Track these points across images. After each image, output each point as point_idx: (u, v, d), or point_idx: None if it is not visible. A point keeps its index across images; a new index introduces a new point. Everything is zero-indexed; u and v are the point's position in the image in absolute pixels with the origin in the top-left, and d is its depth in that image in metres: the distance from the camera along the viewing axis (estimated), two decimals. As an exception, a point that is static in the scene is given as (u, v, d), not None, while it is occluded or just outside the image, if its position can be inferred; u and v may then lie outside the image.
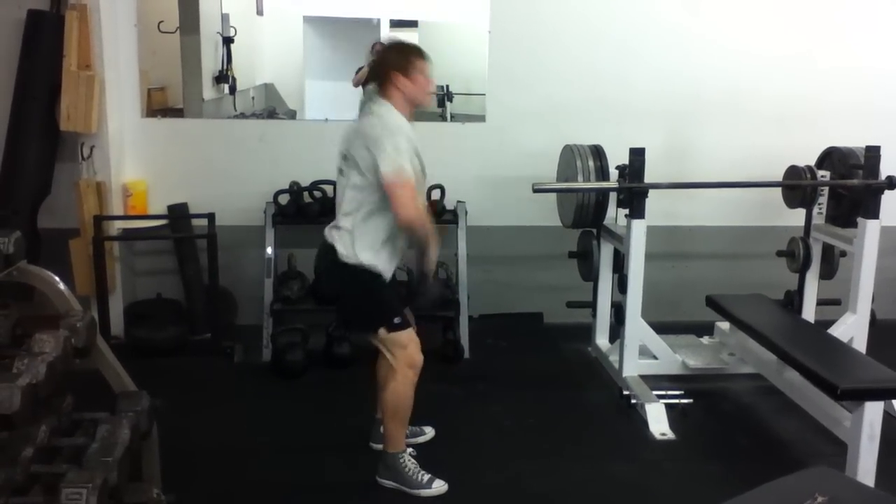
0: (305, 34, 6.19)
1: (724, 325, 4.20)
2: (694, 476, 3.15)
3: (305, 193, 4.43)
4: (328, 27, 6.19)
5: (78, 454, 2.00)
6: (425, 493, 2.94)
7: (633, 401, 3.68)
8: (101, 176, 4.17)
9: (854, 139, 4.08)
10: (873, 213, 3.77)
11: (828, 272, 4.18)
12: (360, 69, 5.77)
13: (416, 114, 3.01)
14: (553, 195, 4.27)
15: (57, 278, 2.33)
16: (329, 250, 2.88)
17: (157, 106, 4.81)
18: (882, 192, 3.77)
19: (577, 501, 2.99)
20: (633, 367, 3.91)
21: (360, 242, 2.83)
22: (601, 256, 4.17)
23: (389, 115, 2.82)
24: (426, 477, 2.97)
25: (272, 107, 6.04)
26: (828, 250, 4.13)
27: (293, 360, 4.03)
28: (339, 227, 2.87)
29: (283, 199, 4.44)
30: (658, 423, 3.52)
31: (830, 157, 4.15)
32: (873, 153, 3.80)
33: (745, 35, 4.70)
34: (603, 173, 3.90)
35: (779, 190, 4.25)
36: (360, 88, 5.68)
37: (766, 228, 4.66)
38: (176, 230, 4.46)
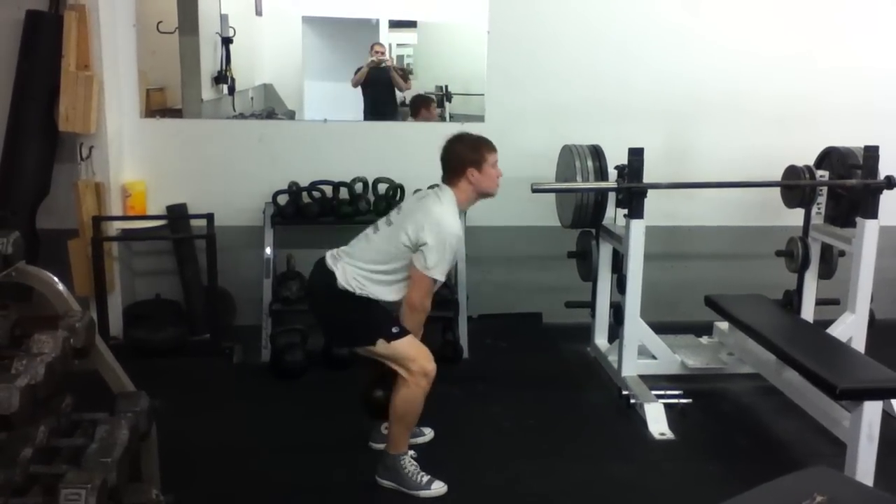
0: (304, 35, 6.19)
1: (723, 325, 4.20)
2: (693, 476, 3.16)
3: (304, 194, 4.44)
4: (327, 28, 6.19)
5: (77, 455, 2.00)
6: (424, 493, 2.94)
7: (633, 401, 3.68)
8: (100, 176, 4.17)
9: (853, 139, 4.08)
10: (872, 213, 3.78)
11: (827, 272, 4.18)
12: (358, 69, 5.81)
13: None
14: (552, 195, 4.27)
15: (56, 279, 2.33)
16: (327, 275, 2.91)
17: (156, 106, 4.81)
18: (881, 192, 3.77)
19: (577, 502, 2.99)
20: (632, 367, 3.91)
21: (367, 287, 2.89)
22: (600, 256, 4.17)
23: (449, 210, 2.90)
24: (426, 478, 2.97)
25: (271, 107, 6.03)
26: (826, 250, 4.13)
27: (292, 361, 4.03)
28: (354, 263, 2.91)
29: (282, 200, 4.44)
30: (657, 423, 3.52)
31: (829, 157, 4.15)
32: (872, 153, 3.81)
33: (745, 35, 4.70)
34: (602, 173, 3.90)
35: (778, 190, 4.26)
36: (360, 89, 5.76)
37: (765, 228, 4.66)
38: (175, 231, 4.46)
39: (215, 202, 4.37)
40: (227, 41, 5.70)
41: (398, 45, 6.23)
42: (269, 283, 4.30)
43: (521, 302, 4.86)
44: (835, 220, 4.07)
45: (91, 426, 2.11)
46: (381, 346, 2.87)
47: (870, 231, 3.76)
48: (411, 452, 3.06)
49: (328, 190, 4.45)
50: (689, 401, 3.67)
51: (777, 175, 4.21)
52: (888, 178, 3.75)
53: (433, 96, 5.57)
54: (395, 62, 6.00)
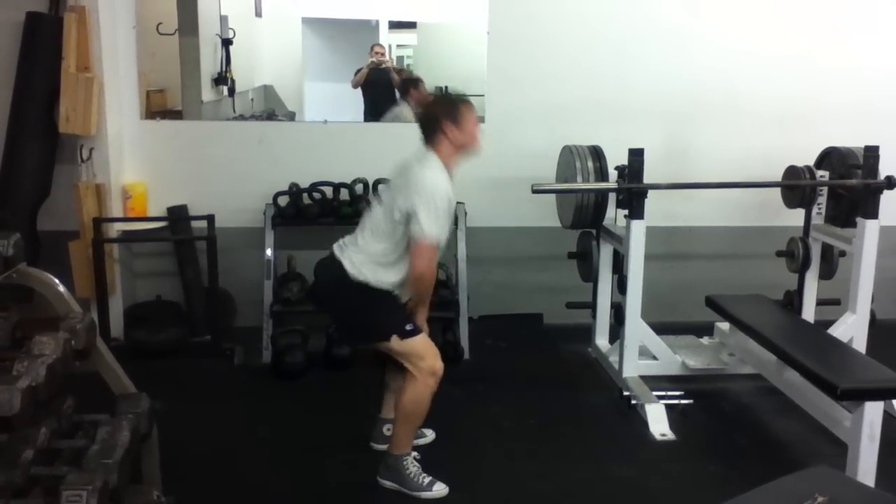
0: (304, 36, 6.19)
1: (724, 326, 4.20)
2: (694, 476, 3.16)
3: (305, 195, 4.44)
4: (327, 29, 6.20)
5: (78, 456, 1.99)
6: (426, 495, 2.94)
7: (633, 401, 3.68)
8: (101, 178, 4.17)
9: (853, 139, 4.08)
10: (872, 213, 3.78)
11: (827, 272, 4.18)
12: (358, 70, 5.82)
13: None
14: (552, 196, 4.27)
15: (56, 280, 2.33)
16: (337, 268, 2.91)
17: (157, 108, 4.81)
18: (881, 192, 3.77)
19: (578, 502, 2.98)
20: (632, 368, 3.91)
21: (376, 272, 2.88)
22: (601, 257, 4.17)
23: (434, 172, 2.87)
24: (427, 479, 2.97)
25: (271, 108, 6.04)
26: (827, 250, 4.13)
27: (293, 362, 4.03)
28: (358, 249, 2.92)
29: (283, 201, 4.44)
30: (658, 423, 3.52)
31: (829, 158, 4.15)
32: (872, 153, 3.81)
33: (745, 35, 4.70)
34: (602, 174, 3.90)
35: (778, 190, 4.26)
36: (360, 90, 5.77)
37: (766, 229, 4.66)
38: (175, 232, 4.46)
39: (216, 203, 4.37)
40: (226, 42, 5.71)
41: (398, 45, 6.24)
42: (269, 285, 4.30)
43: (521, 303, 4.86)
44: (835, 220, 4.07)
45: (92, 428, 2.11)
46: (395, 343, 2.89)
47: (870, 231, 3.76)
48: (414, 454, 3.06)
49: (328, 191, 4.45)
50: (690, 401, 3.67)
51: (777, 175, 4.21)
52: (888, 178, 3.75)
53: (421, 78, 5.57)
54: (394, 63, 6.00)
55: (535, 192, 3.78)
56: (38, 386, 1.85)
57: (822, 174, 4.01)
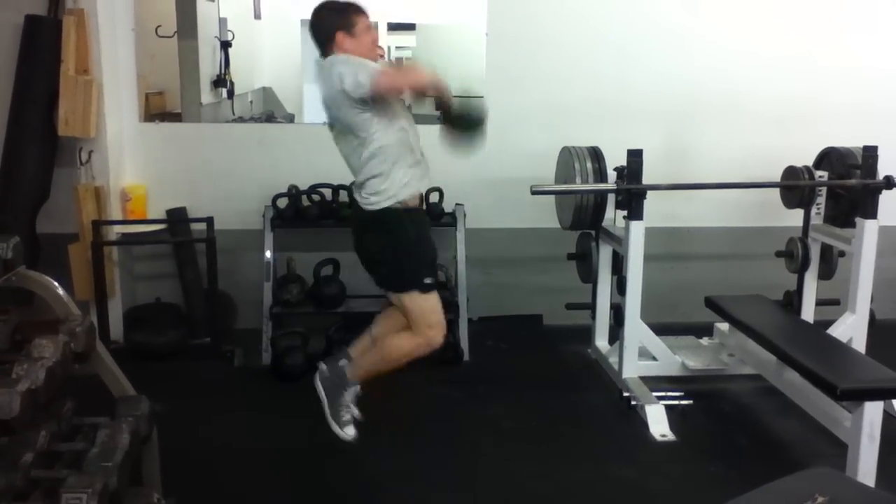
0: (304, 38, 6.15)
1: (724, 326, 4.20)
2: (694, 477, 3.15)
3: (304, 197, 4.43)
4: (326, 30, 6.18)
5: (78, 459, 1.99)
6: (335, 428, 3.00)
7: (633, 402, 3.67)
8: (100, 180, 4.17)
9: (852, 139, 4.08)
10: (871, 213, 3.78)
11: (826, 272, 4.18)
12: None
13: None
14: (552, 197, 4.27)
15: (56, 283, 2.33)
16: (359, 210, 2.96)
17: (156, 110, 4.81)
18: (880, 192, 3.77)
19: (578, 503, 2.98)
20: (632, 369, 3.91)
21: (381, 191, 2.89)
22: (600, 258, 4.17)
23: (332, 56, 2.84)
24: (347, 416, 3.01)
25: (270, 110, 6.04)
26: (826, 250, 4.13)
27: (293, 364, 4.02)
28: (360, 181, 2.96)
29: (282, 203, 4.44)
30: (658, 424, 3.52)
31: (828, 158, 4.15)
32: (871, 153, 3.81)
33: (745, 35, 4.70)
34: (601, 175, 3.90)
35: (777, 190, 4.26)
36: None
37: (765, 229, 4.66)
38: (175, 234, 4.46)
39: (215, 206, 4.37)
40: (226, 45, 5.70)
41: (397, 47, 6.23)
42: (269, 287, 4.30)
43: (521, 304, 4.85)
44: (834, 220, 4.07)
45: (92, 430, 2.11)
46: (410, 298, 2.92)
47: (869, 231, 3.76)
48: (358, 391, 3.08)
49: (328, 193, 4.45)
50: (690, 402, 3.67)
51: (776, 175, 4.21)
52: (887, 178, 3.75)
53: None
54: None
55: (534, 193, 3.78)
56: (37, 389, 1.85)
57: (821, 174, 4.01)
